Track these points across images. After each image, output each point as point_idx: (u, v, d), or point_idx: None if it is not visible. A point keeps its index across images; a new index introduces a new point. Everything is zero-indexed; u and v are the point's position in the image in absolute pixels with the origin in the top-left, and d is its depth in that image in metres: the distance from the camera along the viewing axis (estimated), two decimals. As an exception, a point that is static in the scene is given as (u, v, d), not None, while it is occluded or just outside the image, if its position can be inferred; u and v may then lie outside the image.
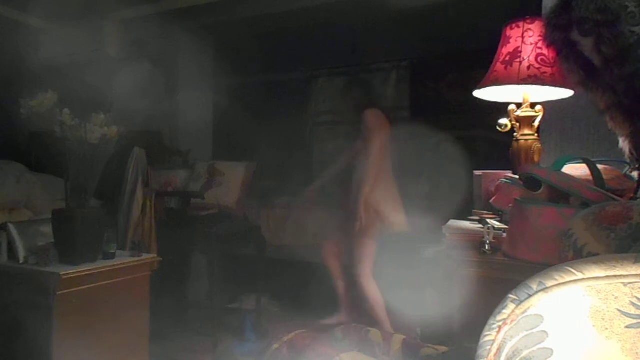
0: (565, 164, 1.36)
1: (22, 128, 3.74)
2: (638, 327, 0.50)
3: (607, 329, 0.51)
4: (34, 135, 4.01)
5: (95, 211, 2.18)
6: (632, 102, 1.05)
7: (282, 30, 3.98)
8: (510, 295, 0.57)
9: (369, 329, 1.21)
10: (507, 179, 1.66)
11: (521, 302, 0.56)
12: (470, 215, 1.76)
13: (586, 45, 1.08)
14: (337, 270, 3.13)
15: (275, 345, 1.16)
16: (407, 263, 2.45)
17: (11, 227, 2.06)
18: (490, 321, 0.58)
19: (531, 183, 1.38)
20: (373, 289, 2.90)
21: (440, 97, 3.89)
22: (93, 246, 2.09)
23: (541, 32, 1.40)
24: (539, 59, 1.60)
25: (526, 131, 1.70)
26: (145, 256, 2.31)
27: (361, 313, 2.98)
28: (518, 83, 1.61)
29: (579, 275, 0.54)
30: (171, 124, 4.23)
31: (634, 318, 0.51)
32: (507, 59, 1.65)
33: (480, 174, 1.90)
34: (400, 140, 3.89)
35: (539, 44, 1.59)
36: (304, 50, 4.05)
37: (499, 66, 1.67)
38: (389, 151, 3.00)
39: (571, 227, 0.83)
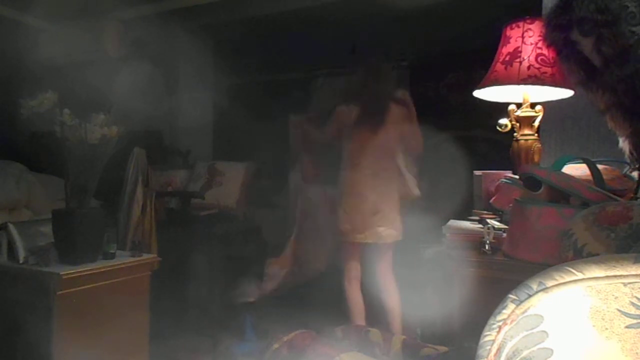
0: (565, 164, 1.36)
1: (22, 128, 3.73)
2: (638, 327, 0.50)
3: (607, 329, 0.51)
4: (34, 135, 4.00)
5: (95, 211, 2.17)
6: (632, 102, 1.05)
7: (282, 30, 3.98)
8: (510, 295, 0.57)
9: (369, 329, 1.21)
10: (507, 179, 1.66)
11: (521, 302, 0.56)
12: (470, 215, 1.76)
13: (586, 45, 1.08)
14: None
15: (275, 345, 1.16)
16: (407, 263, 2.45)
17: (11, 227, 2.06)
18: (490, 321, 0.58)
19: (531, 183, 1.38)
20: (351, 297, 2.74)
21: (440, 97, 3.89)
22: (93, 246, 2.08)
23: (541, 32, 1.40)
24: (539, 59, 1.60)
25: (526, 131, 1.70)
26: (145, 256, 2.30)
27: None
28: (518, 83, 1.61)
29: (579, 275, 0.54)
30: (171, 124, 4.24)
31: (634, 318, 0.51)
32: (507, 59, 1.65)
33: (480, 174, 1.90)
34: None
35: (539, 44, 1.59)
36: (304, 50, 4.04)
37: (499, 66, 1.67)
38: (366, 147, 2.74)
39: (571, 227, 0.83)
